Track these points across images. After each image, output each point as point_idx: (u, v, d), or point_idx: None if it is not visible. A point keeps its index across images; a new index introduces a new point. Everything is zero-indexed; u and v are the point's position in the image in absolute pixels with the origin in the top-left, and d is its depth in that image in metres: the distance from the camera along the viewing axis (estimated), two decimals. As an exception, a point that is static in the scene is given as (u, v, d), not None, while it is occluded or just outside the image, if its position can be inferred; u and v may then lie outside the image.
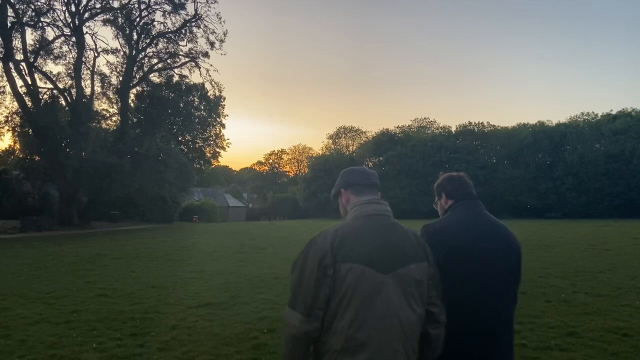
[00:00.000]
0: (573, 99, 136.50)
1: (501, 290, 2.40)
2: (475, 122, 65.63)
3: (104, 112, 36.66)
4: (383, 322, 1.87)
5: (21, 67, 29.61)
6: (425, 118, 73.71)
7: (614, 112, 55.88)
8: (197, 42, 35.11)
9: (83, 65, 32.24)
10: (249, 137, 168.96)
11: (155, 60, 35.94)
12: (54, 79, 31.82)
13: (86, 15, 31.50)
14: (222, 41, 34.97)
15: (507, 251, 2.41)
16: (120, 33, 33.15)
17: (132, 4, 32.63)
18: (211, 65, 56.40)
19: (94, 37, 34.62)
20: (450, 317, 2.19)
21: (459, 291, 2.27)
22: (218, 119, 49.51)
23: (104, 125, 37.79)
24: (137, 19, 33.32)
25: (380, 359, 1.84)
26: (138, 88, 36.12)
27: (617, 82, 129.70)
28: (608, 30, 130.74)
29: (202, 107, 46.17)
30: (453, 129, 66.91)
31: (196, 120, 45.21)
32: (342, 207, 2.24)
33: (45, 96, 31.47)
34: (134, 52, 33.51)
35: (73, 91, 31.60)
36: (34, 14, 29.75)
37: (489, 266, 2.34)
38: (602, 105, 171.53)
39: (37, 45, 30.53)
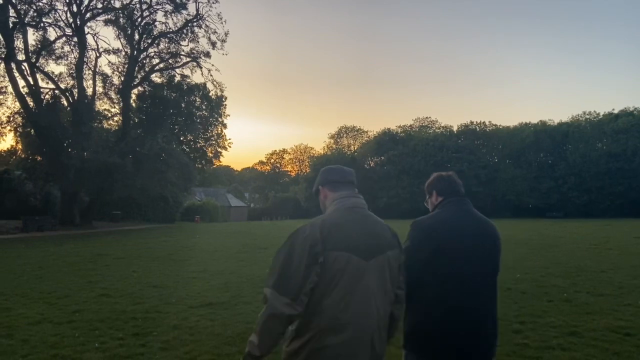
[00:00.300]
0: (575, 98, 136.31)
1: (491, 290, 2.57)
2: (476, 122, 65.51)
3: (106, 112, 36.78)
4: (364, 305, 2.07)
5: (23, 68, 29.65)
6: (426, 117, 73.72)
7: (616, 111, 55.70)
8: (198, 42, 35.22)
9: (85, 66, 32.29)
10: (250, 136, 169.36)
11: (157, 60, 35.99)
12: (56, 79, 31.85)
13: (88, 15, 31.54)
14: (223, 41, 35.01)
15: (493, 249, 2.59)
16: (121, 33, 33.18)
17: (133, 4, 32.70)
18: (212, 65, 56.43)
19: (95, 37, 34.63)
20: (447, 317, 2.41)
21: (457, 292, 2.44)
22: (220, 119, 49.59)
23: (105, 125, 37.87)
24: (139, 19, 33.36)
25: (359, 338, 2.04)
26: (140, 88, 36.16)
27: (619, 81, 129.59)
28: (610, 29, 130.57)
29: (204, 107, 46.20)
30: (455, 129, 66.79)
31: (198, 120, 45.23)
32: (322, 203, 2.39)
33: (47, 96, 31.52)
34: (135, 52, 33.53)
35: (75, 91, 31.65)
36: (35, 14, 29.79)
37: (479, 266, 2.51)
38: (604, 104, 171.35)
39: (39, 46, 30.58)
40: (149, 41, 34.40)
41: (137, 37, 33.70)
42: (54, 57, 31.73)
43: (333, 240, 2.05)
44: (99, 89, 34.16)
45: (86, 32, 31.90)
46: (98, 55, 33.63)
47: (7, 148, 39.93)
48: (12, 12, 28.59)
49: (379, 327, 2.12)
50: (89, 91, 33.06)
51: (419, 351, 2.52)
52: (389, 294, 2.18)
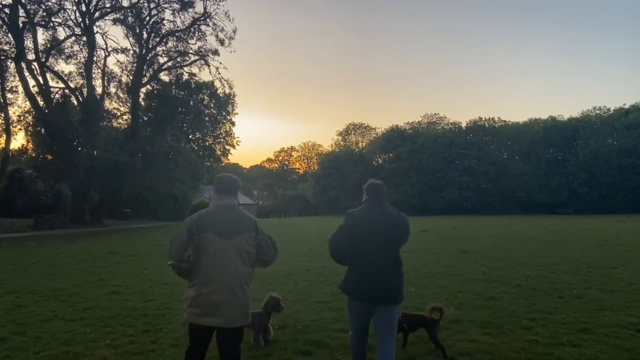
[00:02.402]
0: (585, 93, 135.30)
1: (396, 257, 3.98)
2: (485, 118, 65.08)
3: (115, 111, 36.98)
4: (224, 268, 3.37)
5: (33, 67, 29.90)
6: (435, 114, 73.16)
7: (626, 106, 55.05)
8: (206, 40, 35.24)
9: (94, 65, 32.51)
10: (258, 134, 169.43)
11: (165, 59, 36.14)
12: (66, 78, 32.09)
13: (96, 14, 31.73)
14: (231, 38, 35.06)
15: (394, 229, 3.98)
16: (130, 32, 33.35)
17: (141, 3, 32.86)
18: (220, 63, 56.55)
19: (104, 36, 34.91)
20: (365, 275, 3.86)
21: (370, 258, 3.86)
22: (228, 117, 49.63)
23: (115, 124, 38.07)
24: (147, 18, 33.50)
25: (221, 288, 3.35)
26: (148, 87, 36.31)
27: (629, 76, 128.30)
28: (620, 24, 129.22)
29: (212, 105, 46.25)
30: (463, 125, 66.35)
31: (206, 118, 45.30)
32: None
33: (57, 95, 31.77)
34: (143, 51, 33.67)
35: (84, 90, 31.86)
36: (45, 14, 30.01)
37: (385, 242, 3.90)
38: (614, 100, 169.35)
39: (49, 45, 30.82)
40: (157, 40, 34.54)
41: (145, 35, 33.85)
42: (63, 57, 32.03)
43: (203, 225, 3.40)
44: (109, 88, 34.44)
45: (95, 32, 32.16)
46: (107, 54, 33.90)
47: (18, 147, 40.27)
48: (21, 12, 28.84)
49: (240, 282, 3.42)
50: (98, 90, 33.31)
51: (352, 295, 3.98)
52: (246, 261, 3.46)
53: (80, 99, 31.70)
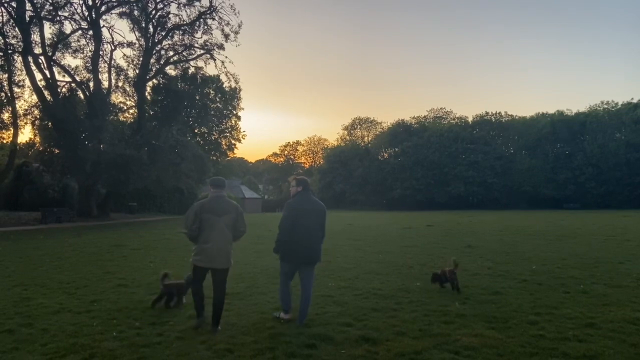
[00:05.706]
0: (593, 88, 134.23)
1: (315, 229, 5.87)
2: (492, 112, 64.76)
3: (121, 105, 37.03)
4: (215, 233, 5.51)
5: (40, 61, 29.97)
6: (441, 108, 72.92)
7: (634, 101, 54.61)
8: (212, 34, 35.16)
9: (100, 59, 32.52)
10: (264, 128, 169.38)
11: (171, 53, 36.07)
12: (72, 72, 32.15)
13: (103, 8, 31.71)
14: (236, 33, 34.98)
15: (319, 214, 5.91)
16: (136, 26, 33.29)
17: (147, -3, 32.74)
18: (226, 57, 56.53)
19: (110, 30, 34.92)
20: (297, 243, 5.73)
21: (300, 229, 5.73)
22: (234, 111, 49.64)
23: (121, 118, 38.15)
24: (153, 12, 33.45)
25: (214, 247, 5.50)
26: (154, 80, 36.33)
27: (638, 71, 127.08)
28: (628, 18, 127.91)
29: (218, 99, 46.21)
30: (470, 119, 66.10)
31: (212, 112, 45.29)
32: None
33: (63, 89, 31.86)
34: (150, 44, 33.67)
35: (91, 84, 31.92)
36: (51, 7, 30.03)
37: (313, 222, 5.82)
38: (622, 94, 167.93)
39: (55, 39, 30.85)
40: (163, 34, 34.50)
41: (151, 29, 33.82)
42: (70, 51, 32.04)
43: (204, 209, 5.50)
44: (115, 82, 34.49)
45: (101, 25, 32.15)
46: (113, 48, 33.91)
47: (26, 141, 40.54)
48: (28, 6, 28.88)
49: (225, 241, 5.54)
50: (105, 84, 33.37)
51: (287, 260, 5.85)
52: (231, 230, 5.60)
53: (87, 92, 31.77)
